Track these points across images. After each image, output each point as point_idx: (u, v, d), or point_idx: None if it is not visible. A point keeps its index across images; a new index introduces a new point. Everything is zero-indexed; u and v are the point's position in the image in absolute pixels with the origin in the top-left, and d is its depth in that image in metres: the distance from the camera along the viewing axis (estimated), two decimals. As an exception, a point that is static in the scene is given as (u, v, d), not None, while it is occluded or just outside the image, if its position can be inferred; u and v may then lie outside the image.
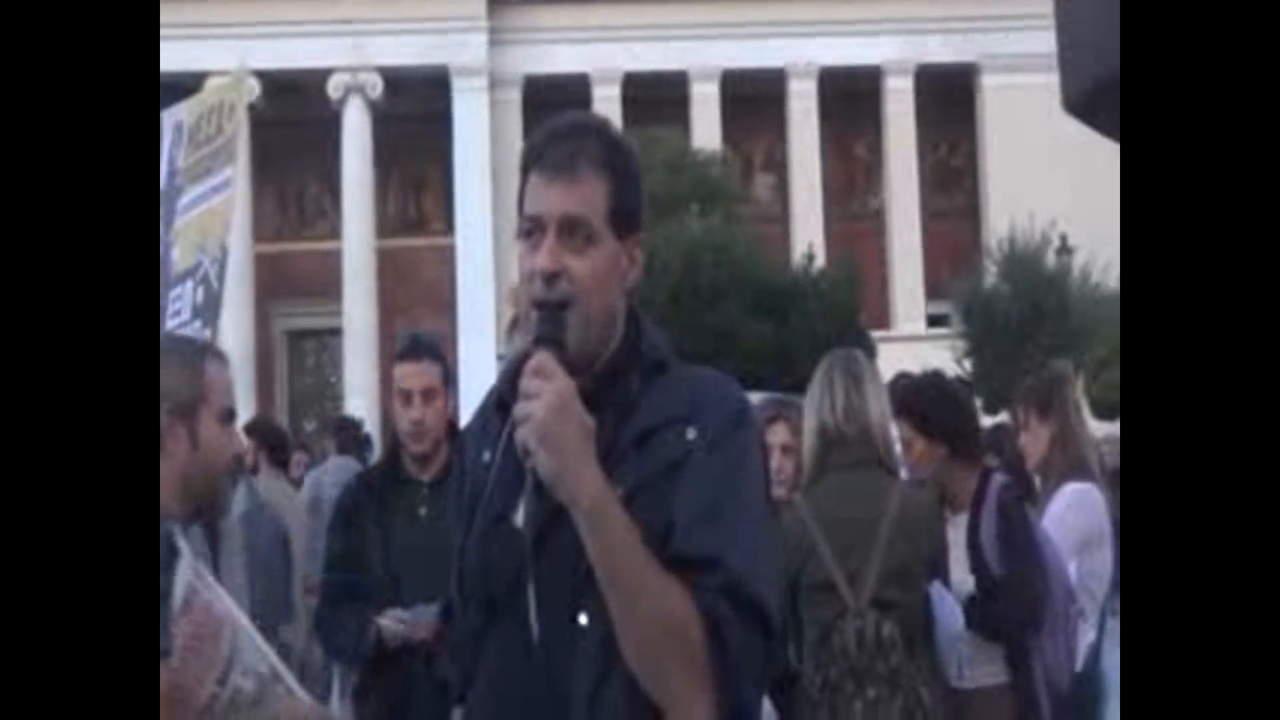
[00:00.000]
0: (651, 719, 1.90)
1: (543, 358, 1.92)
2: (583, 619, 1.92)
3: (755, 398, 5.94)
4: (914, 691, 3.90)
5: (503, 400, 2.08)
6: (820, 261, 30.83)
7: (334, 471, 9.24)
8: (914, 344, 33.20)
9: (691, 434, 1.96)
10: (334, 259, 39.28)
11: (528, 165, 2.07)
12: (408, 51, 39.26)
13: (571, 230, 2.00)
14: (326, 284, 39.27)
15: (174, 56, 38.38)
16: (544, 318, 1.97)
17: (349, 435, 10.58)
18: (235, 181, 5.06)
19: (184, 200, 5.22)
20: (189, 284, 5.04)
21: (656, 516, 1.91)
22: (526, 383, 1.90)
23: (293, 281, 40.19)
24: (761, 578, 1.93)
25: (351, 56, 39.15)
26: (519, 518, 1.95)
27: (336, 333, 39.55)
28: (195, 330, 4.88)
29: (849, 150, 43.68)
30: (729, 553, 1.90)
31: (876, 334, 29.13)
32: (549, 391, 1.88)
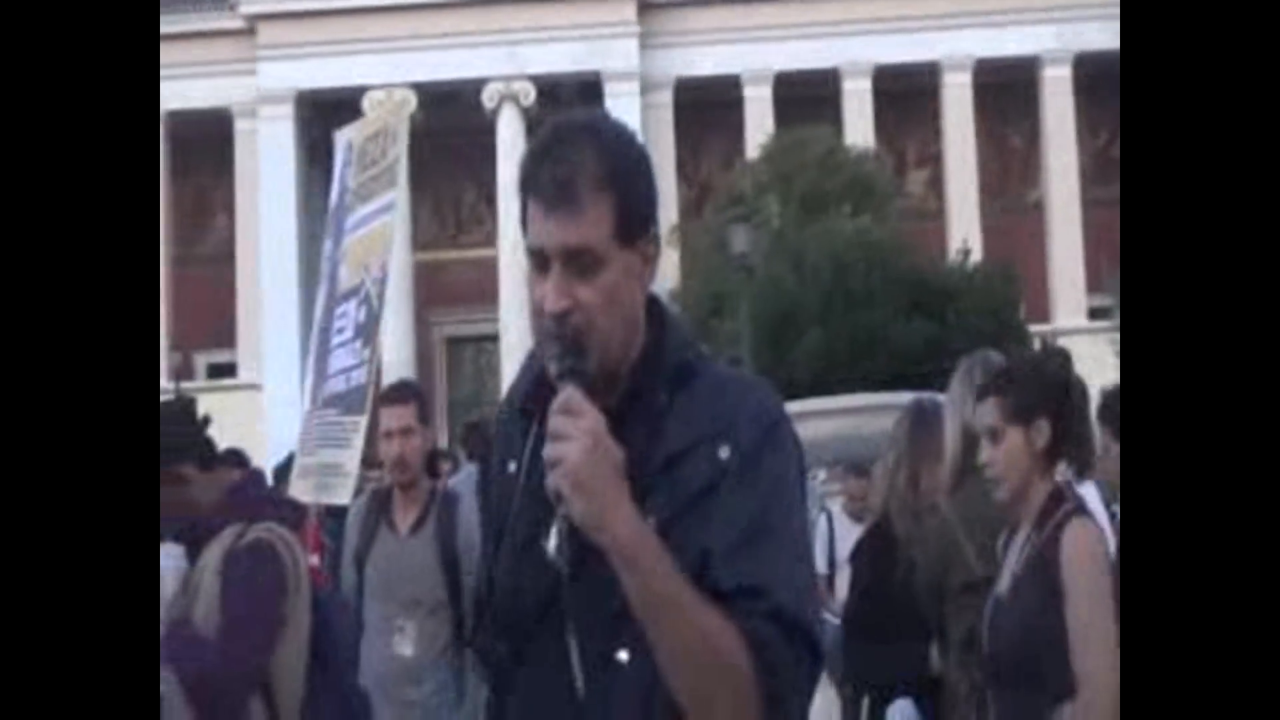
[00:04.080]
0: None
1: (570, 394, 1.81)
2: (622, 655, 1.85)
3: (909, 397, 5.96)
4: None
5: (525, 408, 2.01)
6: (977, 256, 30.38)
7: (465, 479, 9.47)
8: (1074, 338, 32.60)
9: (724, 453, 1.88)
10: (491, 266, 39.90)
11: (524, 188, 1.94)
12: (560, 59, 39.71)
13: (578, 258, 1.88)
14: (484, 291, 39.89)
15: (331, 72, 39.40)
16: (564, 350, 1.87)
17: (479, 440, 10.76)
18: (398, 205, 5.24)
19: (351, 220, 5.41)
20: (352, 303, 5.22)
21: (692, 543, 1.84)
22: (555, 422, 1.79)
23: (451, 289, 40.90)
24: (804, 599, 1.87)
25: (505, 66, 39.72)
26: (551, 545, 1.83)
27: (494, 338, 40.15)
28: (356, 349, 5.08)
29: (1005, 142, 43.00)
30: (771, 580, 1.84)
31: (1036, 328, 28.62)
32: (580, 432, 1.78)
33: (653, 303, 1.99)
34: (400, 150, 5.08)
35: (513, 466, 1.99)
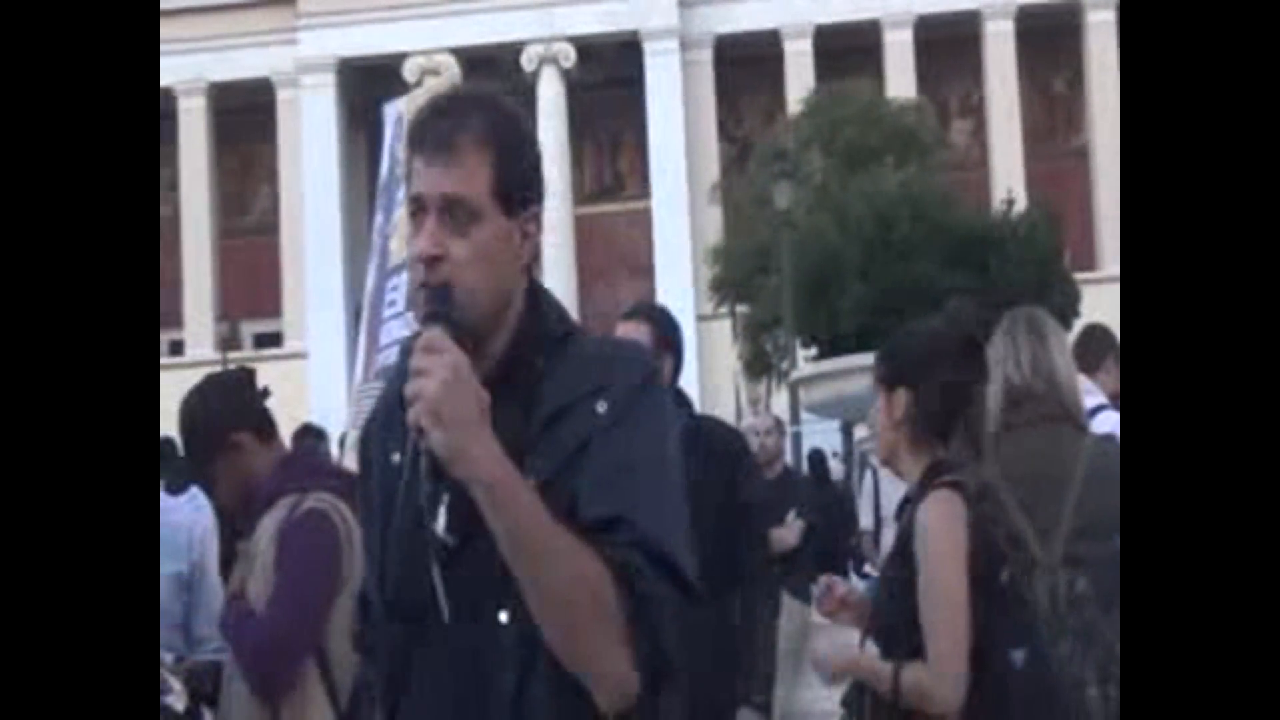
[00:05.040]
0: (581, 714, 1.86)
1: (431, 334, 1.83)
2: (503, 616, 1.87)
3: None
4: (1109, 647, 3.90)
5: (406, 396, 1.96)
6: (1021, 205, 30.14)
7: None
8: (1120, 284, 32.28)
9: (601, 407, 1.91)
10: (534, 228, 39.93)
11: (410, 144, 1.98)
12: (599, 19, 39.61)
13: (452, 211, 1.92)
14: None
15: (371, 39, 39.46)
16: (430, 296, 1.89)
17: None
18: None
19: (401, 193, 5.47)
20: (403, 275, 5.29)
21: (571, 496, 1.87)
22: (416, 360, 1.81)
23: (495, 252, 40.94)
24: (671, 533, 1.88)
25: (544, 28, 39.68)
26: (440, 524, 1.86)
27: (539, 300, 40.24)
28: (408, 320, 5.14)
29: (1049, 89, 42.64)
30: (634, 510, 1.85)
31: (1081, 276, 28.41)
32: (440, 366, 1.79)
33: (532, 284, 2.03)
34: None
35: (397, 457, 1.97)
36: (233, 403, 3.69)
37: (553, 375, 1.94)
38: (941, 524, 3.25)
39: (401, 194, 5.49)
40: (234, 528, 4.58)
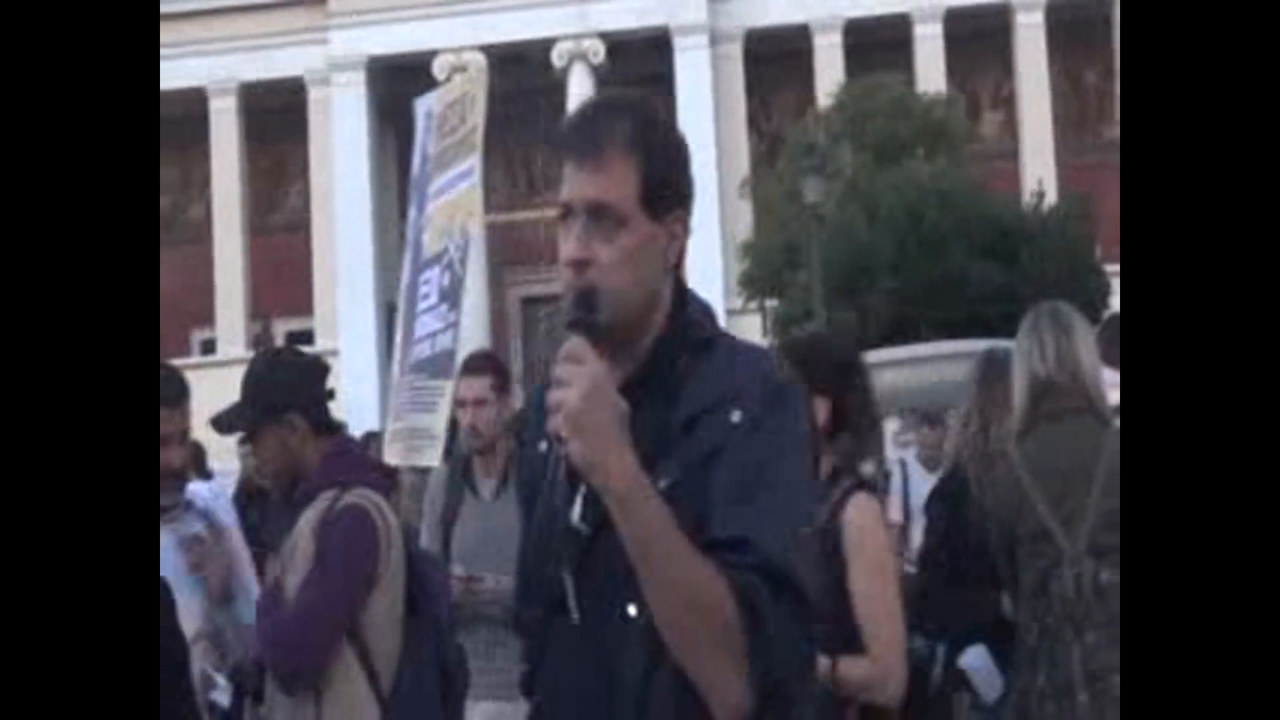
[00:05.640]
0: (702, 710, 1.87)
1: (574, 343, 1.88)
2: (631, 610, 1.90)
3: (983, 345, 6.01)
4: (1135, 637, 3.93)
5: None
6: (1052, 197, 29.98)
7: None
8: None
9: (736, 416, 1.93)
10: (565, 224, 39.94)
11: (561, 148, 2.03)
12: (628, 15, 39.59)
13: (600, 216, 1.96)
14: (558, 251, 39.93)
15: (400, 37, 39.57)
16: (575, 302, 1.94)
17: None
18: (477, 171, 5.35)
19: (432, 187, 5.55)
20: (437, 269, 5.35)
21: (698, 503, 1.90)
22: (558, 369, 1.86)
23: (525, 249, 41.01)
24: (795, 555, 1.89)
25: (574, 24, 39.69)
26: (575, 513, 1.93)
27: (570, 296, 40.22)
28: (441, 313, 5.21)
29: (1080, 81, 42.38)
30: (760, 532, 1.87)
31: (1113, 268, 28.24)
32: (581, 377, 1.84)
33: (679, 286, 2.07)
34: (479, 117, 5.20)
35: (543, 445, 2.05)
36: (300, 385, 3.76)
37: (692, 379, 1.97)
38: (871, 525, 3.42)
39: (433, 188, 5.57)
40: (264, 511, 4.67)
